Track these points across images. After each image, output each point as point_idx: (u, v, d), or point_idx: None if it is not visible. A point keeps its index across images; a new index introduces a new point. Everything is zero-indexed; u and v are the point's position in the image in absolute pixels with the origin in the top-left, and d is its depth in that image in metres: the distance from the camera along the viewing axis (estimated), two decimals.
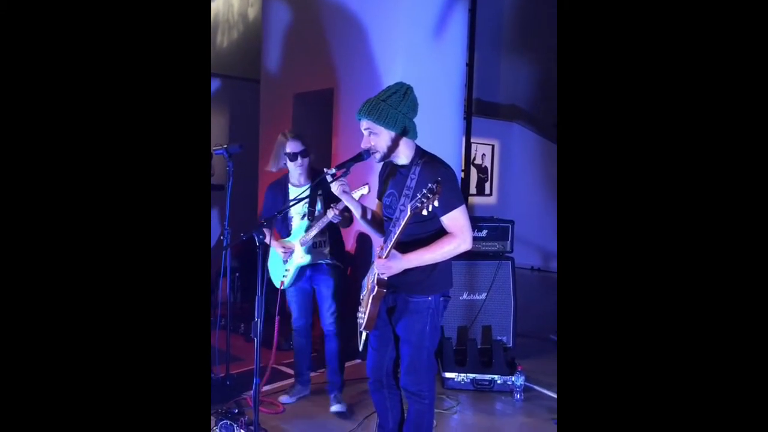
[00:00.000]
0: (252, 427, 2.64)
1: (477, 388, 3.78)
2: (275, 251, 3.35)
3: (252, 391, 2.54)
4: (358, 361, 3.98)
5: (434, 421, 2.55)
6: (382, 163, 2.41)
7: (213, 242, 5.37)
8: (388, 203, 2.39)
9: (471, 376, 3.79)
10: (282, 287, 3.31)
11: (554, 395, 3.70)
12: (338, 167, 2.34)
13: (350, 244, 4.46)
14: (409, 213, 2.09)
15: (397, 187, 2.34)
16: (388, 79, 3.99)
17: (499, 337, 4.16)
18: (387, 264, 2.24)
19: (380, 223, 2.49)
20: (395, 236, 2.18)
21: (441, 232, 2.28)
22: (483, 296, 4.19)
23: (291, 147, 3.23)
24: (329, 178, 2.34)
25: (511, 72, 9.17)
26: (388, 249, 2.22)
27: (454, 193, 2.27)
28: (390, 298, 2.38)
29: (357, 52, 4.66)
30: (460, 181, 4.97)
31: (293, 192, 3.28)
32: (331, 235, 3.34)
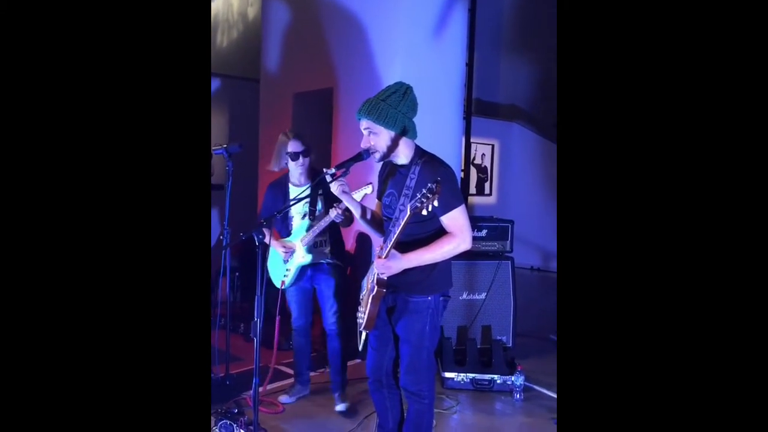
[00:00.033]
0: (252, 427, 2.64)
1: (477, 387, 3.78)
2: (275, 251, 3.36)
3: (252, 391, 2.54)
4: (358, 360, 3.98)
5: (434, 421, 2.55)
6: (381, 162, 2.41)
7: (213, 242, 5.37)
8: (387, 203, 2.39)
9: (471, 375, 3.79)
10: (283, 287, 3.31)
11: (554, 395, 3.70)
12: (338, 167, 2.34)
13: (350, 243, 4.46)
14: (408, 213, 2.09)
15: (396, 186, 2.34)
16: (388, 79, 3.99)
17: (498, 337, 4.16)
18: (387, 264, 2.24)
19: (380, 222, 2.49)
20: (395, 236, 2.18)
21: (441, 232, 2.28)
22: (483, 296, 4.19)
23: (293, 146, 3.23)
24: (329, 178, 2.34)
25: (510, 72, 9.17)
26: (387, 249, 2.22)
27: (454, 192, 2.27)
28: (390, 297, 2.38)
29: (357, 52, 4.66)
30: (459, 180, 4.98)
31: (293, 191, 3.28)
32: (332, 234, 3.35)
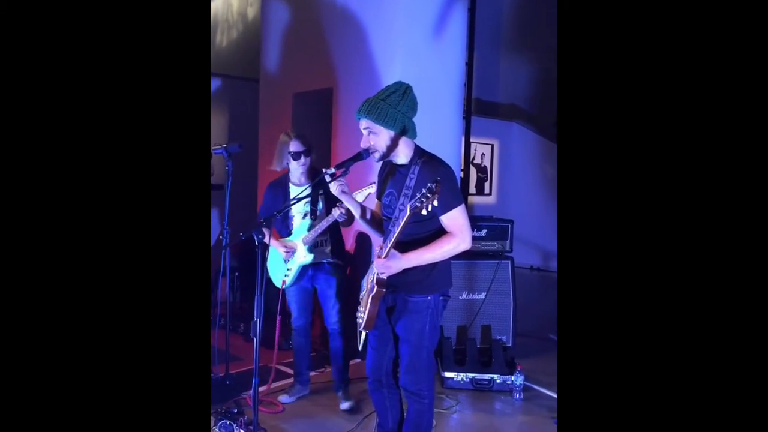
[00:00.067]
0: (251, 427, 2.64)
1: (476, 387, 3.78)
2: (274, 250, 3.36)
3: (251, 391, 2.54)
4: (358, 360, 3.98)
5: (434, 421, 2.55)
6: (381, 162, 2.41)
7: (212, 242, 5.37)
8: (387, 203, 2.39)
9: (470, 375, 3.79)
10: (284, 286, 3.31)
11: (553, 395, 3.70)
12: (337, 167, 2.34)
13: (349, 243, 4.46)
14: (408, 212, 2.09)
15: (396, 186, 2.34)
16: (388, 79, 3.99)
17: (498, 337, 4.16)
18: (386, 263, 2.24)
19: (379, 222, 2.49)
20: (394, 236, 2.18)
21: (440, 232, 2.28)
22: (482, 296, 4.19)
23: (294, 146, 3.24)
24: (328, 178, 2.34)
25: (510, 71, 9.17)
26: (387, 248, 2.22)
27: (454, 192, 2.27)
28: (389, 297, 2.38)
29: (356, 52, 4.66)
30: (459, 180, 4.98)
31: (294, 191, 3.28)
32: (332, 234, 3.35)
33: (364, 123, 2.29)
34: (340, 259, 3.39)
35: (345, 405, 3.39)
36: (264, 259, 3.02)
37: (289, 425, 3.20)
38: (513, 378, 3.68)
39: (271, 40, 5.58)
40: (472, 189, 8.62)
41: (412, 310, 2.34)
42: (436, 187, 2.00)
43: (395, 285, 2.32)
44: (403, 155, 2.32)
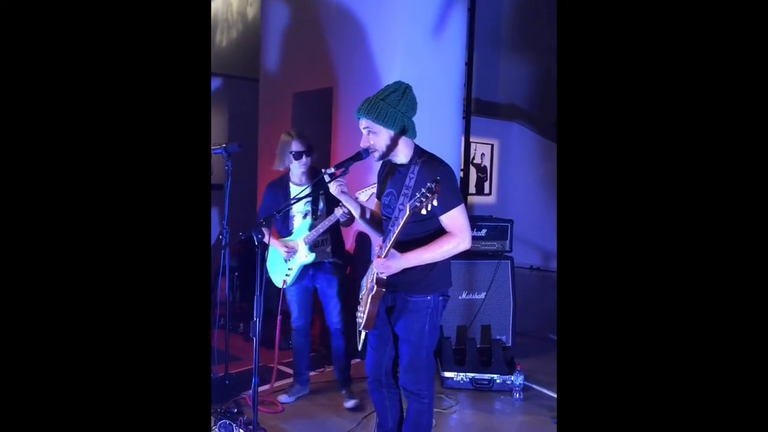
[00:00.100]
0: (251, 427, 2.64)
1: (476, 387, 3.78)
2: (274, 250, 3.36)
3: (251, 391, 2.54)
4: (358, 360, 3.98)
5: (433, 421, 2.55)
6: (381, 162, 2.41)
7: (212, 242, 5.37)
8: (386, 202, 2.39)
9: (470, 375, 3.79)
10: (284, 286, 3.32)
11: (553, 394, 3.70)
12: (337, 166, 2.34)
13: (349, 243, 4.46)
14: (408, 212, 2.09)
15: (396, 186, 2.34)
16: (387, 78, 3.99)
17: (498, 337, 4.16)
18: (386, 263, 2.24)
19: (379, 222, 2.49)
20: (394, 235, 2.18)
21: (440, 232, 2.28)
22: (482, 295, 4.19)
23: (296, 146, 3.25)
24: (327, 178, 2.33)
25: (510, 71, 9.16)
26: (387, 248, 2.22)
27: (453, 192, 2.26)
28: (389, 297, 2.38)
29: (356, 51, 4.66)
30: (459, 180, 4.97)
31: (294, 191, 3.28)
32: (332, 234, 3.35)
33: (363, 122, 2.28)
34: (340, 258, 3.40)
35: (350, 403, 3.40)
36: (263, 259, 3.02)
37: (288, 425, 3.20)
38: (513, 378, 3.68)
39: (271, 39, 5.58)
40: (472, 189, 8.61)
41: (411, 310, 2.34)
42: (435, 186, 2.00)
43: (395, 285, 2.32)
44: (402, 155, 2.32)
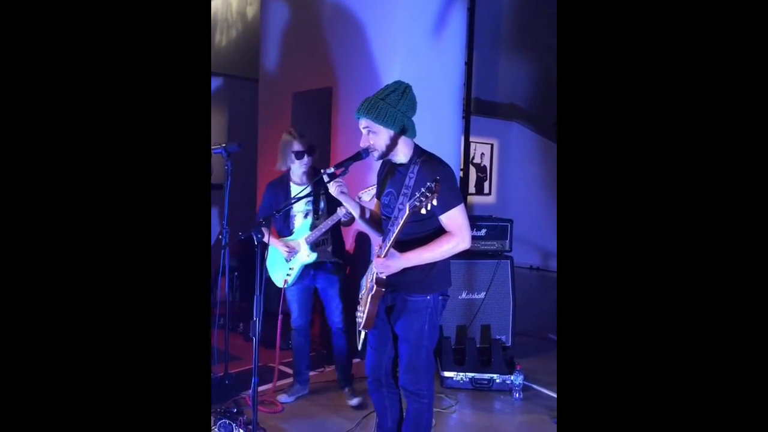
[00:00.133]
0: (251, 427, 2.64)
1: (476, 387, 3.78)
2: (274, 250, 3.36)
3: (251, 391, 2.54)
4: (357, 360, 3.98)
5: (433, 420, 2.55)
6: (380, 161, 2.41)
7: (212, 241, 5.37)
8: (386, 202, 2.39)
9: (470, 375, 3.79)
10: (285, 286, 3.32)
11: (553, 394, 3.70)
12: (337, 166, 2.34)
13: (349, 243, 4.46)
14: (407, 212, 2.09)
15: (395, 185, 2.34)
16: (387, 78, 3.99)
17: (497, 336, 4.16)
18: (386, 263, 2.23)
19: (379, 222, 2.49)
20: (394, 235, 2.18)
21: (440, 231, 2.28)
22: (482, 295, 4.19)
23: (299, 145, 3.25)
24: (326, 178, 2.33)
25: (510, 71, 9.17)
26: (386, 248, 2.22)
27: (453, 192, 2.26)
28: (389, 297, 2.37)
29: (356, 51, 4.65)
30: (458, 180, 4.97)
31: (295, 190, 3.29)
32: (333, 233, 3.36)
33: (363, 122, 2.28)
34: (340, 258, 3.40)
35: (354, 401, 3.41)
36: (263, 259, 3.03)
37: (288, 425, 3.20)
38: (512, 377, 3.68)
39: (271, 39, 5.57)
40: (472, 188, 8.61)
41: (411, 310, 2.34)
42: (435, 186, 2.00)
43: (394, 284, 2.32)
44: (402, 154, 2.32)
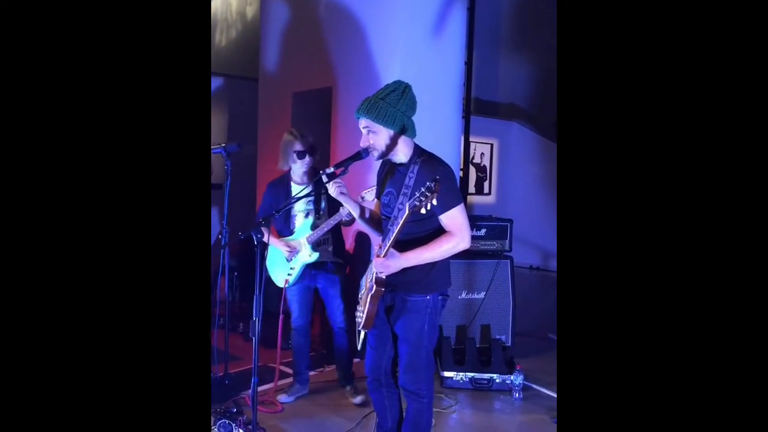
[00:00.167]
0: (250, 427, 2.64)
1: (476, 387, 3.78)
2: (274, 249, 3.36)
3: (250, 390, 2.54)
4: (357, 360, 3.98)
5: (433, 420, 2.55)
6: (380, 161, 2.41)
7: (212, 241, 5.37)
8: (386, 202, 2.39)
9: (470, 375, 3.79)
10: (286, 285, 3.32)
11: (553, 394, 3.70)
12: (336, 166, 2.34)
13: (348, 243, 4.46)
14: (407, 212, 2.09)
15: (395, 185, 2.34)
16: (387, 78, 3.99)
17: (497, 336, 4.16)
18: (385, 263, 2.23)
19: (378, 222, 2.49)
20: (393, 235, 2.18)
21: (439, 231, 2.28)
22: (482, 295, 4.19)
23: (300, 145, 3.25)
24: (325, 178, 2.33)
25: (510, 71, 9.17)
26: (386, 248, 2.22)
27: (453, 191, 2.26)
28: (388, 297, 2.37)
29: (356, 51, 4.66)
30: (458, 179, 4.97)
31: (296, 190, 3.29)
32: (333, 233, 3.36)
33: (363, 122, 2.28)
34: (340, 258, 3.40)
35: (357, 399, 3.42)
36: (263, 259, 3.03)
37: (288, 425, 3.20)
38: (512, 377, 3.68)
39: (270, 39, 5.57)
40: (472, 188, 8.62)
41: (411, 310, 2.34)
42: (435, 186, 2.00)
43: (394, 284, 2.32)
44: (402, 154, 2.32)
